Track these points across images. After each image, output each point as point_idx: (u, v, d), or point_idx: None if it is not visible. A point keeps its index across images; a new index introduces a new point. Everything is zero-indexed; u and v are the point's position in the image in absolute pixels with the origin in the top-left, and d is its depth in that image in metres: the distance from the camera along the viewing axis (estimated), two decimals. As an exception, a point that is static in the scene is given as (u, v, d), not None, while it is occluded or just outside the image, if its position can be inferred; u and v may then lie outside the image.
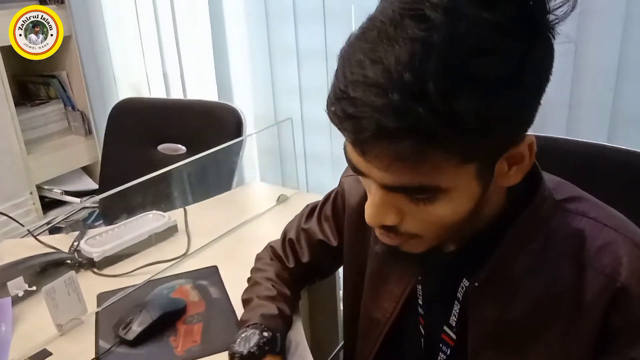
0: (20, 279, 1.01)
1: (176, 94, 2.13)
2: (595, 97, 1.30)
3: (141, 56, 2.19)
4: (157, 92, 2.19)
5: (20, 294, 1.03)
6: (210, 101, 1.84)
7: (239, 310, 0.97)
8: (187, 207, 1.43)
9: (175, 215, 1.35)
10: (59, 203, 2.38)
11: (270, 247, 1.03)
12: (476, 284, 0.68)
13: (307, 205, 1.01)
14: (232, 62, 1.94)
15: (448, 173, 0.54)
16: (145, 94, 2.21)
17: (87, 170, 2.53)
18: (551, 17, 0.52)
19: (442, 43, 0.47)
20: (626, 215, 0.68)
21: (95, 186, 2.45)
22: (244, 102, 1.91)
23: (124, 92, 2.28)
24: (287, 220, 1.04)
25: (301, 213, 1.01)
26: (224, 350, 0.88)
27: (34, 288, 1.03)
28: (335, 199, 0.92)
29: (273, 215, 1.39)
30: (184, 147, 1.70)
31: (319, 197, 0.99)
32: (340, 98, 0.52)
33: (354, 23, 1.59)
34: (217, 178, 1.59)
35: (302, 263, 0.97)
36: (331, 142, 1.73)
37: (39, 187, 2.29)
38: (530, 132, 0.58)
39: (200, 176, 1.54)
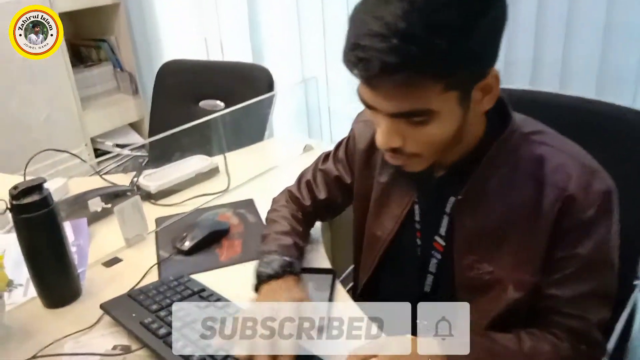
0: (98, 198, 1.26)
1: (215, 57, 2.34)
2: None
3: (185, 22, 2.41)
4: (198, 54, 2.40)
5: (99, 210, 1.27)
6: (245, 62, 2.05)
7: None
8: (225, 154, 1.65)
9: (216, 160, 1.58)
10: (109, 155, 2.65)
11: (288, 191, 1.17)
12: (460, 197, 0.87)
13: (322, 153, 1.18)
14: (265, 28, 2.14)
15: (437, 98, 0.72)
16: (187, 56, 2.43)
17: (134, 126, 2.78)
18: None
19: (422, 1, 0.67)
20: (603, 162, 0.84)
21: (142, 140, 2.71)
22: (274, 65, 2.11)
23: (169, 54, 2.50)
24: (313, 166, 1.23)
25: (316, 160, 1.17)
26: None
27: (109, 206, 1.28)
28: (348, 142, 1.10)
29: (300, 161, 1.59)
30: (222, 103, 1.91)
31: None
32: (353, 48, 0.70)
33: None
34: (251, 130, 1.80)
35: (318, 200, 1.13)
36: (351, 101, 1.93)
37: (92, 140, 2.56)
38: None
39: (236, 128, 1.75)
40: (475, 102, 0.78)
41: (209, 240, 1.20)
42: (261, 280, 0.95)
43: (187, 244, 1.18)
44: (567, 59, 1.48)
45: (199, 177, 1.50)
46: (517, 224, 0.84)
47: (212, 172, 1.54)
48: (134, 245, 1.23)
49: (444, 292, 0.95)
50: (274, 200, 1.18)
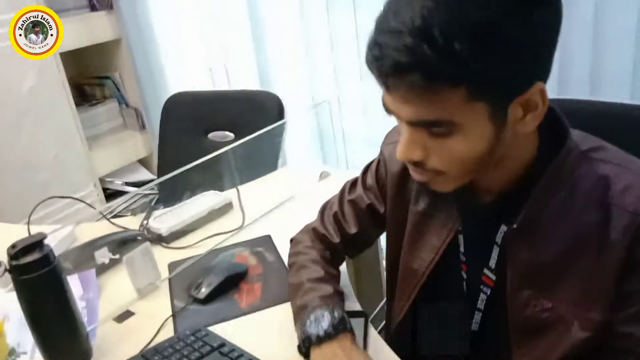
0: (105, 249, 1.18)
1: (221, 86, 2.28)
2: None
3: (188, 52, 2.35)
4: (204, 84, 2.34)
5: (106, 261, 1.19)
6: (252, 90, 1.98)
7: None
8: (238, 187, 1.57)
9: (229, 194, 1.50)
10: (119, 194, 2.58)
11: (312, 229, 1.05)
12: (514, 226, 0.76)
13: (347, 181, 1.06)
14: (270, 53, 2.08)
15: (458, 108, 0.64)
16: (193, 87, 2.37)
17: (143, 162, 2.72)
18: None
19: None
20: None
21: (152, 176, 2.64)
22: (283, 90, 2.05)
23: (174, 86, 2.44)
24: (330, 194, 1.09)
25: (341, 189, 1.06)
26: (281, 303, 1.01)
27: (117, 256, 1.19)
28: (378, 167, 0.99)
29: (317, 190, 1.51)
30: (232, 134, 1.83)
31: (359, 173, 1.05)
32: (372, 45, 0.65)
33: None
34: (263, 160, 1.72)
35: (349, 235, 1.01)
36: (366, 123, 1.85)
37: (101, 180, 2.49)
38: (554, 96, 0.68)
39: (247, 159, 1.67)
40: (516, 120, 0.69)
41: (227, 285, 1.11)
42: (311, 343, 0.84)
43: (203, 292, 1.09)
44: (596, 68, 1.39)
45: (212, 214, 1.42)
46: (581, 254, 0.73)
47: (226, 207, 1.45)
48: (146, 296, 1.15)
49: (494, 332, 0.84)
50: (296, 241, 1.07)
